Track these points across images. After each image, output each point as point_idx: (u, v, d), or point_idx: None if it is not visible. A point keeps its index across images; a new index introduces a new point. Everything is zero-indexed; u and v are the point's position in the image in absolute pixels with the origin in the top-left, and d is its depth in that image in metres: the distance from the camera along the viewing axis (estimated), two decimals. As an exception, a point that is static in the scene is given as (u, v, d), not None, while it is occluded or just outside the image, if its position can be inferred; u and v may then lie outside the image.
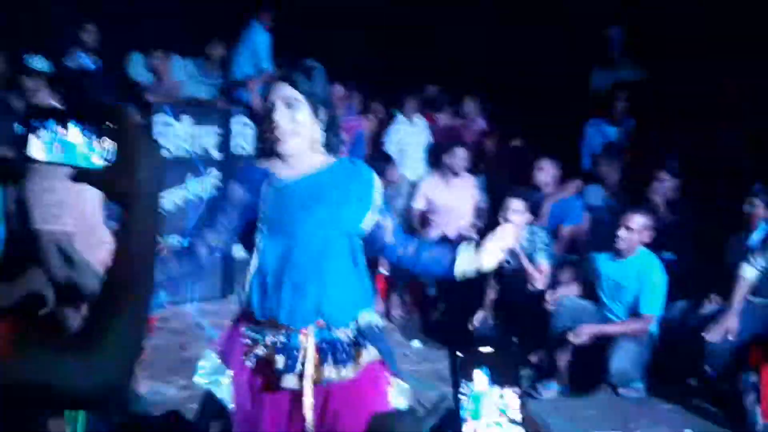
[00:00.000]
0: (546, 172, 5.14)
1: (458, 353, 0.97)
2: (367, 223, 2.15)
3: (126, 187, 0.96)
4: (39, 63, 4.67)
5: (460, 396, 0.94)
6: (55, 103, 3.20)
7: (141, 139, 0.97)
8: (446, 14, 7.49)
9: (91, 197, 3.02)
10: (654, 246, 4.38)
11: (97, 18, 5.97)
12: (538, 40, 6.59)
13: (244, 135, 5.81)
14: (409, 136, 6.33)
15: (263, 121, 2.07)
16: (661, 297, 4.10)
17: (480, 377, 0.94)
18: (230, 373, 2.09)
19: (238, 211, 2.07)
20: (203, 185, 5.67)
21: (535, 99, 6.34)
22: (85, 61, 5.66)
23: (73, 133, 0.94)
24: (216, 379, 2.10)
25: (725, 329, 3.76)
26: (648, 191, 4.78)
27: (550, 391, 4.10)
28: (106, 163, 0.94)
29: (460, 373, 0.95)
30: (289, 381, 2.03)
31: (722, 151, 4.94)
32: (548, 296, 4.29)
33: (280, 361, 2.03)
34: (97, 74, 5.33)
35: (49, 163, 0.96)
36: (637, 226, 4.09)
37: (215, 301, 5.59)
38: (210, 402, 2.17)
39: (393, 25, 7.53)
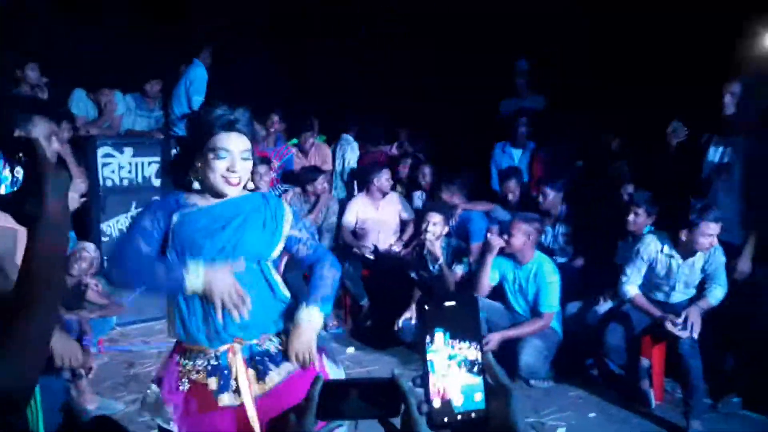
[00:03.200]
0: (451, 193, 5.17)
1: (425, 306, 0.91)
2: (277, 250, 2.09)
3: (32, 211, 0.98)
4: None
5: (426, 350, 0.89)
6: None
7: (48, 169, 0.98)
8: (374, 44, 7.53)
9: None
10: (551, 252, 4.52)
11: (42, 57, 5.77)
12: (457, 74, 6.72)
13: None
14: (348, 156, 6.42)
15: (204, 164, 1.97)
16: (557, 296, 4.18)
17: (440, 335, 0.90)
18: (170, 402, 2.00)
19: (150, 237, 1.97)
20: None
21: (454, 126, 6.48)
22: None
23: None
24: (160, 410, 2.00)
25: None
26: (541, 205, 4.90)
27: (469, 385, 4.13)
28: (14, 189, 0.96)
29: (425, 328, 0.90)
30: (226, 399, 1.97)
31: (608, 167, 5.12)
32: None
33: (212, 382, 1.98)
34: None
35: None
36: (522, 233, 4.17)
37: (159, 321, 5.43)
38: None
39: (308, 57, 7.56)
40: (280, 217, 2.10)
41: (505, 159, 5.88)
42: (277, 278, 2.09)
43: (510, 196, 5.30)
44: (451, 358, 0.89)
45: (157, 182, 5.58)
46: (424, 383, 0.89)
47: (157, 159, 5.58)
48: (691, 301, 3.78)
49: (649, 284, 3.95)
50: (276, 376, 2.02)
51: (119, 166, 5.45)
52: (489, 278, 4.30)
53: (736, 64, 4.52)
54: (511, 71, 6.24)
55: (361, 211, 5.55)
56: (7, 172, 0.97)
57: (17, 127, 2.77)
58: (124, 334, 5.17)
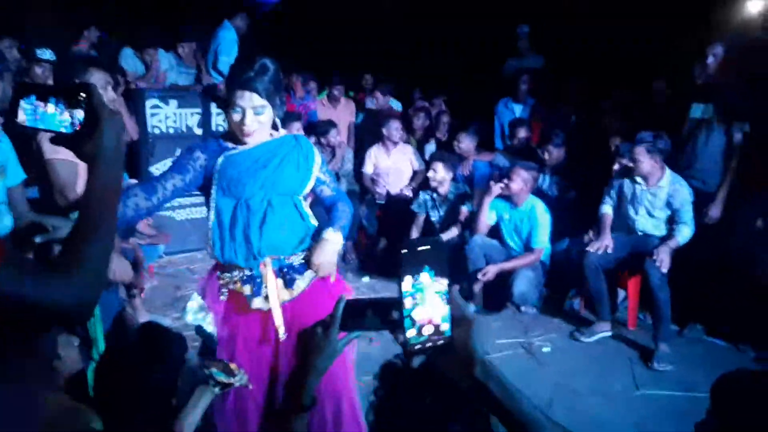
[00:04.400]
0: (464, 143, 5.27)
1: (402, 251, 0.93)
2: (308, 188, 2.18)
3: (91, 148, 1.00)
4: (47, 54, 4.59)
5: (402, 287, 0.92)
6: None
7: (104, 112, 1.01)
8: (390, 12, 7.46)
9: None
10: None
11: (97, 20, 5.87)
12: (465, 37, 6.68)
13: (220, 115, 5.76)
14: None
15: (227, 114, 2.05)
16: (547, 233, 4.28)
17: (427, 268, 0.93)
18: (212, 308, 2.12)
19: (186, 171, 2.04)
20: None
21: (463, 84, 6.48)
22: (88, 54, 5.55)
23: (51, 106, 0.99)
24: (201, 316, 2.14)
25: (603, 245, 3.91)
26: (543, 151, 4.95)
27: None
28: (76, 128, 1.00)
29: (404, 269, 0.92)
30: (257, 303, 2.09)
31: (600, 120, 5.13)
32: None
33: (246, 289, 2.09)
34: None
35: (32, 129, 1.01)
36: (521, 179, 4.25)
37: (201, 251, 5.63)
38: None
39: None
40: (311, 160, 2.18)
41: (507, 113, 5.88)
42: (307, 210, 2.18)
43: (516, 142, 5.35)
44: (437, 293, 0.93)
45: (198, 131, 5.67)
46: (400, 316, 0.93)
47: (198, 110, 5.66)
48: (662, 240, 3.84)
49: (620, 212, 4.05)
50: (301, 283, 2.15)
51: (165, 116, 5.56)
52: (487, 218, 4.40)
53: (717, 27, 4.47)
54: (514, 35, 6.20)
55: (376, 159, 5.64)
56: (66, 115, 0.99)
57: (77, 77, 2.90)
58: (171, 261, 5.38)
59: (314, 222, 2.20)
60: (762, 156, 3.79)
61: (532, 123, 5.64)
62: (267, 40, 6.34)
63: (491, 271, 4.18)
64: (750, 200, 3.77)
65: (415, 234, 4.84)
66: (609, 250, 3.90)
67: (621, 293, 4.23)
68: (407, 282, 0.92)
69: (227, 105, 2.04)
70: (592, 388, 3.28)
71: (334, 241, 2.17)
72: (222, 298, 2.13)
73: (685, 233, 3.79)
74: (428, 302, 0.93)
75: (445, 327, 0.94)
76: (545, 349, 3.75)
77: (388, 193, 5.52)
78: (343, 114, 6.30)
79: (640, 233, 3.98)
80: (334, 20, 7.58)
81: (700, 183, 4.04)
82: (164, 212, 5.53)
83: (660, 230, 3.95)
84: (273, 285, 2.10)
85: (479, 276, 4.18)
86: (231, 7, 5.94)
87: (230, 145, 2.10)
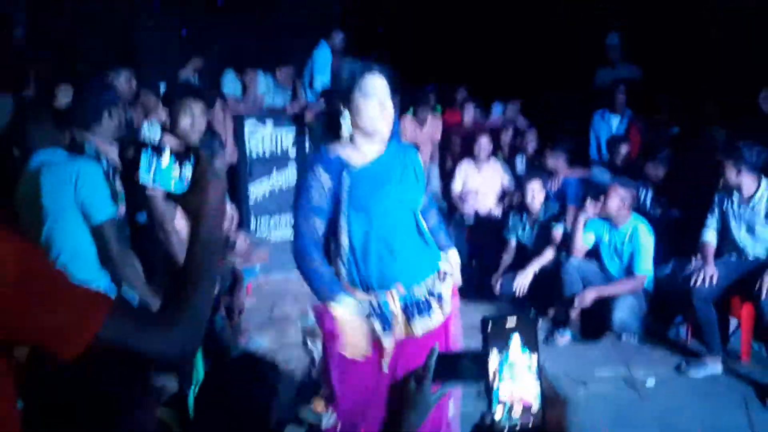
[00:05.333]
0: (553, 159, 5.09)
1: (488, 327, 0.90)
2: (424, 198, 2.16)
3: (195, 206, 1.07)
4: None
5: (489, 363, 0.88)
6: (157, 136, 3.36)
7: (210, 173, 1.07)
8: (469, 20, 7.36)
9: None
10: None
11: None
12: (552, 46, 6.49)
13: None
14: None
15: (352, 112, 1.98)
16: (650, 258, 4.03)
17: (516, 343, 0.89)
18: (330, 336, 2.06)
19: (325, 194, 1.98)
20: (284, 177, 5.87)
21: (551, 96, 6.29)
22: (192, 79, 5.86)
23: (165, 158, 1.06)
24: (314, 335, 2.18)
25: (708, 276, 3.67)
26: (646, 168, 4.71)
27: (564, 338, 4.13)
28: (184, 187, 1.07)
29: (490, 344, 0.89)
30: (388, 342, 2.03)
31: (703, 133, 4.80)
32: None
33: (377, 324, 2.02)
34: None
35: (150, 187, 1.08)
36: (619, 197, 4.02)
37: (296, 271, 5.77)
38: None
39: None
40: (420, 169, 2.16)
41: (604, 126, 5.63)
42: (425, 226, 2.14)
43: (618, 157, 5.12)
44: (528, 369, 0.90)
45: (293, 151, 5.87)
46: (488, 394, 0.90)
47: (293, 131, 5.85)
48: None
49: (725, 239, 3.79)
50: (431, 319, 2.08)
51: (262, 137, 5.79)
52: (583, 239, 4.23)
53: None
54: (604, 42, 5.96)
55: (466, 176, 5.56)
56: (177, 171, 1.06)
57: (176, 107, 3.08)
58: (268, 281, 5.55)
59: (431, 238, 2.16)
60: None
61: (632, 136, 5.38)
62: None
63: (588, 296, 4.01)
64: None
65: (508, 261, 4.72)
66: (714, 280, 3.64)
67: (733, 321, 3.93)
68: (494, 358, 0.89)
69: (349, 100, 1.98)
70: (701, 428, 3.06)
71: (458, 259, 2.20)
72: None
73: None
74: (518, 379, 0.89)
75: (537, 407, 0.90)
76: (649, 383, 3.54)
77: (476, 213, 5.43)
78: (429, 133, 6.24)
79: (750, 256, 3.69)
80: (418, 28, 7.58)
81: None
82: (262, 233, 5.75)
83: (759, 246, 3.66)
84: (400, 321, 2.05)
85: (576, 301, 4.02)
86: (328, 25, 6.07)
87: (350, 160, 2.02)
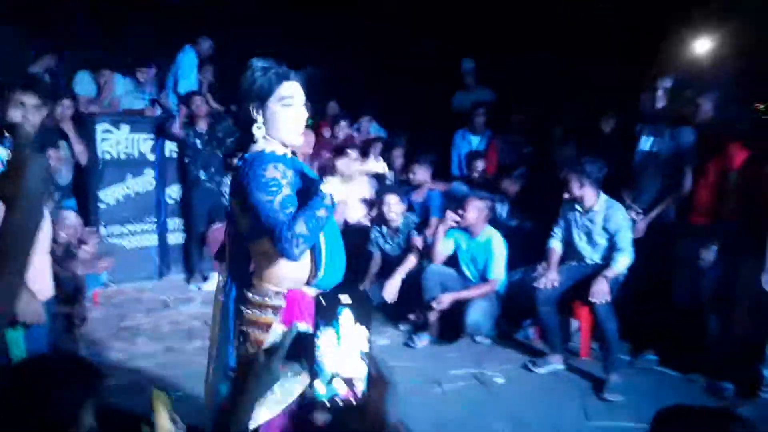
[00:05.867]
0: (419, 173, 5.27)
1: (321, 299, 0.90)
2: None
3: (12, 189, 1.01)
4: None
5: (317, 333, 0.89)
6: None
7: (29, 153, 1.02)
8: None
9: None
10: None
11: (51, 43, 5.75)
12: (411, 72, 6.80)
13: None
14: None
15: (274, 116, 1.87)
16: (503, 265, 4.26)
17: (347, 319, 0.89)
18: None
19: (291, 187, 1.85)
20: (140, 183, 5.53)
21: (412, 115, 6.56)
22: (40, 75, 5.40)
23: None
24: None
25: (551, 280, 3.92)
26: (503, 183, 5.00)
27: (423, 341, 4.23)
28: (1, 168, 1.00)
29: (320, 315, 0.90)
30: None
31: (553, 152, 5.21)
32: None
33: None
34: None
35: None
36: (476, 209, 4.25)
37: (151, 281, 5.49)
38: None
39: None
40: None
41: (464, 145, 5.93)
42: None
43: (474, 174, 5.38)
44: (356, 347, 0.90)
45: (151, 156, 5.57)
46: (311, 369, 0.90)
47: (152, 136, 5.56)
48: (600, 269, 3.81)
49: (569, 246, 4.06)
50: None
51: (117, 141, 5.43)
52: (444, 247, 4.38)
53: (666, 62, 4.62)
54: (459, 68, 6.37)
55: (332, 189, 5.55)
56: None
57: (12, 96, 2.79)
58: (119, 291, 5.19)
59: None
60: (704, 191, 3.88)
61: (489, 154, 5.70)
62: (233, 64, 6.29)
63: (445, 300, 4.14)
64: (694, 233, 3.84)
65: (374, 270, 4.76)
66: (556, 284, 3.90)
67: (575, 323, 4.23)
68: (324, 335, 0.89)
69: (263, 108, 1.86)
70: (543, 419, 3.23)
71: None
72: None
73: (621, 261, 3.78)
74: (345, 355, 0.89)
75: (360, 385, 0.89)
76: (498, 380, 3.70)
77: (345, 222, 5.45)
78: (304, 147, 6.22)
79: (589, 261, 4.00)
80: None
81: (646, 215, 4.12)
82: (114, 239, 5.37)
83: (596, 251, 3.97)
84: None
85: (434, 305, 4.13)
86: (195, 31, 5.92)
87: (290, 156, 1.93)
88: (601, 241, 3.93)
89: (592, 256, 4.00)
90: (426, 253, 4.53)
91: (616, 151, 4.44)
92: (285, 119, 1.88)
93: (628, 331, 3.79)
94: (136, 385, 3.26)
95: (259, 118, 1.88)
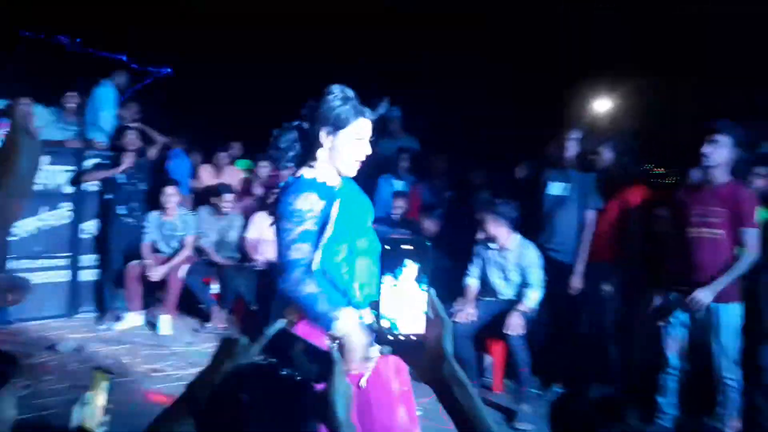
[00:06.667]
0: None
1: (384, 247, 0.94)
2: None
3: (5, 165, 1.00)
4: None
5: (382, 282, 0.93)
6: None
7: (22, 135, 1.02)
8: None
9: None
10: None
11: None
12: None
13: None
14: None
15: (341, 146, 1.97)
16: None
17: (410, 265, 0.93)
18: None
19: (315, 218, 1.95)
20: (55, 216, 5.36)
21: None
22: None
23: None
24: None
25: (466, 314, 4.07)
26: (423, 223, 5.17)
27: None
28: None
29: (384, 264, 0.93)
30: (375, 353, 1.97)
31: (471, 197, 5.47)
32: None
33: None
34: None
35: None
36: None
37: (60, 319, 5.24)
38: None
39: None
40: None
41: (387, 188, 6.11)
42: None
43: (395, 213, 5.54)
44: (415, 291, 0.95)
45: (69, 189, 5.41)
46: (377, 306, 0.96)
47: (72, 167, 5.41)
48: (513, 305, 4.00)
49: (485, 282, 4.23)
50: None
51: (33, 173, 5.27)
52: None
53: (572, 117, 5.02)
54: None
55: (261, 226, 5.58)
56: None
57: None
58: (24, 328, 4.92)
59: None
60: (607, 231, 4.18)
61: (412, 197, 5.90)
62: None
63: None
64: (597, 270, 4.11)
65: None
66: (473, 318, 4.05)
67: (488, 358, 4.36)
68: (387, 278, 0.94)
69: (333, 135, 1.94)
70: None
71: None
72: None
73: (532, 297, 3.99)
74: (405, 299, 0.94)
75: (419, 325, 0.96)
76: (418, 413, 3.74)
77: (268, 261, 5.44)
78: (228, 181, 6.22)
79: (503, 298, 4.17)
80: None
81: (561, 255, 4.35)
82: (24, 274, 5.12)
83: (510, 288, 4.16)
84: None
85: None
86: (115, 65, 5.90)
87: (330, 182, 1.96)
88: (515, 277, 4.13)
89: (506, 291, 4.18)
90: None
91: (528, 196, 4.72)
92: (350, 152, 1.96)
93: (537, 366, 3.94)
94: (43, 420, 3.16)
95: (327, 144, 1.95)
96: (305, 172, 1.98)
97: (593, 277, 4.10)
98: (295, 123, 2.03)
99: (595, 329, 3.92)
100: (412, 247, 0.95)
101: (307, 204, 1.87)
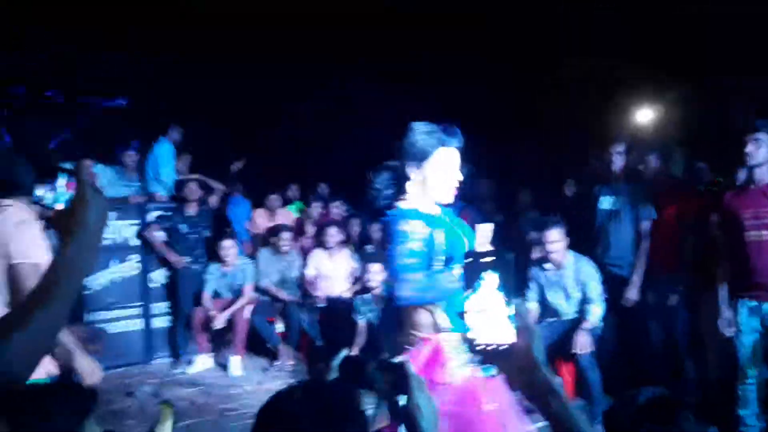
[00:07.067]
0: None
1: (466, 260, 0.97)
2: None
3: (72, 221, 1.03)
4: None
5: (467, 294, 0.96)
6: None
7: (90, 189, 1.06)
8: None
9: None
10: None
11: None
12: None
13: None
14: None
15: (422, 174, 2.07)
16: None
17: (492, 277, 0.96)
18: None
19: (421, 245, 2.01)
20: (125, 268, 5.64)
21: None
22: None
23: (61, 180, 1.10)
24: None
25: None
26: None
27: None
28: (63, 205, 1.08)
29: (467, 278, 0.97)
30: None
31: (520, 218, 5.48)
32: None
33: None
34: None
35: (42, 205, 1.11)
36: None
37: (136, 366, 5.46)
38: None
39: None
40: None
41: (439, 215, 6.18)
42: None
43: None
44: (500, 301, 0.99)
45: (136, 241, 5.69)
46: (462, 317, 1.00)
47: (137, 221, 5.70)
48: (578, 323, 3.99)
49: (544, 304, 4.22)
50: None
51: (102, 229, 5.55)
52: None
53: (619, 130, 5.02)
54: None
55: (318, 262, 5.74)
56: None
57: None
58: (104, 378, 5.12)
59: None
60: (665, 241, 4.14)
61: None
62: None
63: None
64: (660, 282, 4.06)
65: (360, 341, 4.84)
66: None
67: (557, 379, 4.32)
68: (470, 291, 0.98)
69: (420, 167, 2.04)
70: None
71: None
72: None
73: (595, 312, 3.97)
74: (491, 311, 0.98)
75: (506, 334, 0.99)
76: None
77: (328, 296, 5.57)
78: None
79: (567, 318, 4.17)
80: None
81: (618, 269, 4.32)
82: (97, 324, 5.39)
83: (572, 306, 4.13)
84: None
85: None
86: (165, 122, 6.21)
87: (430, 212, 2.07)
88: (576, 294, 4.11)
89: (568, 310, 4.17)
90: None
91: (577, 212, 4.72)
92: (438, 181, 2.08)
93: (608, 384, 3.89)
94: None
95: (416, 177, 2.08)
96: (402, 204, 2.10)
97: (656, 288, 4.06)
98: (388, 163, 2.16)
99: (666, 343, 3.86)
100: (493, 259, 0.98)
101: (413, 228, 1.98)
